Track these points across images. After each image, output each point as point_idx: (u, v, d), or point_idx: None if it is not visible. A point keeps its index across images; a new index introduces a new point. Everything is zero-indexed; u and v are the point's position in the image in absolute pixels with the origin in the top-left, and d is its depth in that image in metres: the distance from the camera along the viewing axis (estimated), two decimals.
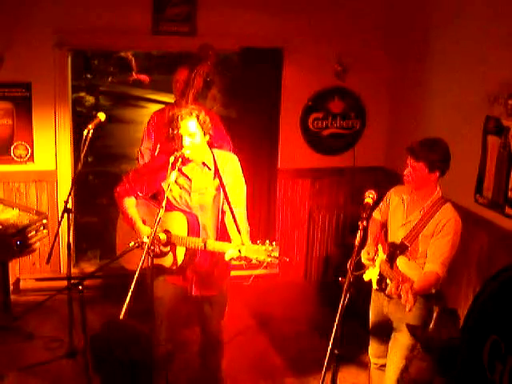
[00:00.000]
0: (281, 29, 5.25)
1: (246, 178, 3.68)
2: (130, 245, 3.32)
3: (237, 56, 5.39)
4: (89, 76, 9.83)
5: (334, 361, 2.86)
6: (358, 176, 5.62)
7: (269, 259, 3.23)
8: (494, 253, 4.29)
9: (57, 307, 4.69)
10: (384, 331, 3.60)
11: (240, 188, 3.61)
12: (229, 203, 3.53)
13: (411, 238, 3.39)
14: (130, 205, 3.65)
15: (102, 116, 4.20)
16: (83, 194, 6.13)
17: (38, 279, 5.27)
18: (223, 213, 3.58)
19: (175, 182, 3.43)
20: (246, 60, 5.29)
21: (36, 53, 4.91)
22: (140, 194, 3.67)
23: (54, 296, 3.84)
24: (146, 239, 3.27)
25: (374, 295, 3.67)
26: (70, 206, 4.23)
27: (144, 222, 3.60)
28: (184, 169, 3.51)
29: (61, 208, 4.57)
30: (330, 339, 2.83)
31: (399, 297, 3.12)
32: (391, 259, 3.44)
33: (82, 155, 4.06)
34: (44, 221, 4.70)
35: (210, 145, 3.59)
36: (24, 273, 5.29)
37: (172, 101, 4.80)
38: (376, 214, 3.70)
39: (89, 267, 5.56)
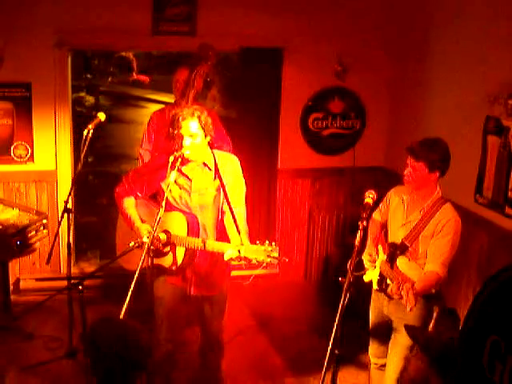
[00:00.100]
0: (281, 29, 5.25)
1: (246, 179, 3.67)
2: (130, 245, 3.32)
3: (237, 56, 5.39)
4: (89, 76, 9.82)
5: (334, 361, 2.86)
6: (358, 176, 5.62)
7: (268, 259, 3.23)
8: (493, 253, 4.29)
9: (57, 307, 4.69)
10: (384, 331, 3.60)
11: (240, 188, 3.61)
12: (229, 203, 3.53)
13: (411, 238, 3.39)
14: (130, 205, 3.65)
15: (101, 116, 4.20)
16: (83, 194, 6.13)
17: (38, 279, 5.27)
18: (223, 213, 3.58)
19: (175, 182, 3.43)
20: (245, 60, 5.29)
21: (36, 53, 4.91)
22: (139, 195, 3.67)
23: (53, 296, 3.84)
24: (145, 239, 3.27)
25: (374, 295, 3.67)
26: (70, 205, 4.23)
27: (143, 223, 3.60)
28: (184, 169, 3.51)
29: (61, 208, 4.57)
30: (329, 339, 2.83)
31: (400, 297, 3.12)
32: (391, 259, 3.44)
33: (82, 155, 4.06)
34: (44, 221, 4.70)
35: (211, 145, 3.59)
36: (24, 273, 5.29)
37: (172, 101, 4.81)
38: (376, 215, 3.70)
39: (89, 267, 5.56)
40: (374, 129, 5.72)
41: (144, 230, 3.49)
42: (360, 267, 3.49)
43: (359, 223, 3.06)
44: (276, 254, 3.23)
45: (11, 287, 5.05)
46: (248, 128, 5.40)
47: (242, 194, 3.62)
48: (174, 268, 3.54)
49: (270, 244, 3.24)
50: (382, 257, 3.47)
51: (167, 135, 3.52)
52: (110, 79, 10.26)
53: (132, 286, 2.99)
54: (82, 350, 2.39)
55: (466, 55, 4.55)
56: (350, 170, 5.69)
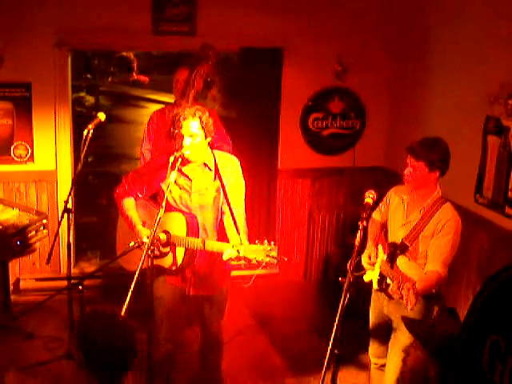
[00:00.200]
0: (281, 29, 5.25)
1: (246, 179, 3.68)
2: (130, 245, 3.33)
3: (237, 56, 5.39)
4: (89, 76, 9.82)
5: (334, 361, 2.86)
6: (358, 176, 5.61)
7: (267, 259, 3.23)
8: (494, 253, 4.29)
9: (57, 307, 4.69)
10: (384, 331, 3.60)
11: (240, 189, 3.61)
12: (228, 204, 3.53)
13: (411, 238, 3.39)
14: (130, 206, 3.65)
15: (101, 116, 4.21)
16: (83, 194, 6.13)
17: (38, 279, 5.27)
18: (222, 213, 3.58)
19: (175, 182, 3.43)
20: (245, 60, 5.29)
21: (36, 53, 4.91)
22: (139, 195, 3.67)
23: (53, 296, 3.84)
24: (145, 239, 3.27)
25: (374, 295, 3.67)
26: (70, 206, 4.24)
27: (143, 224, 3.59)
28: (184, 169, 3.51)
29: (61, 208, 4.57)
30: (330, 339, 2.82)
31: (401, 297, 3.12)
32: (391, 259, 3.44)
33: (82, 155, 4.06)
34: (44, 221, 4.70)
35: (211, 146, 3.59)
36: (24, 273, 5.29)
37: (172, 101, 4.81)
38: (376, 215, 3.69)
39: (89, 267, 5.56)
40: (374, 129, 5.72)
41: (144, 234, 3.47)
42: (360, 267, 3.50)
43: (359, 223, 3.06)
44: (275, 254, 3.23)
45: (11, 287, 5.05)
46: (248, 128, 5.40)
47: (242, 195, 3.62)
48: (173, 268, 3.54)
49: (269, 243, 3.24)
50: (382, 256, 3.47)
51: (168, 135, 3.52)
52: (110, 79, 10.25)
53: (132, 286, 2.99)
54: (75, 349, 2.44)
55: (465, 55, 4.55)
56: (349, 170, 5.69)
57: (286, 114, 5.49)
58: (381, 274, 3.46)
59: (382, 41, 5.48)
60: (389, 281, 3.38)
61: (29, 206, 4.95)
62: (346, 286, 2.90)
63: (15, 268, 5.22)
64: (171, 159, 3.34)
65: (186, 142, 3.40)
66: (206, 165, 3.54)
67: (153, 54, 9.80)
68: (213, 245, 3.43)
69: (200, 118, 3.43)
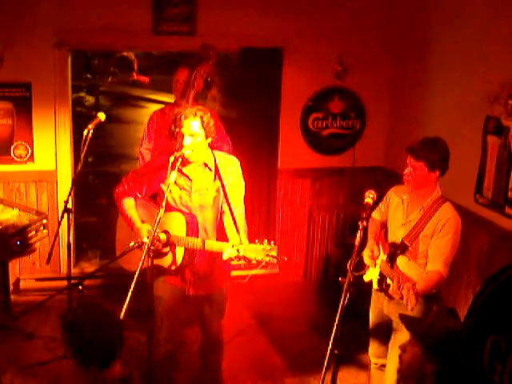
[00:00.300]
0: (281, 29, 5.25)
1: (246, 179, 3.67)
2: (130, 245, 3.32)
3: (237, 56, 5.38)
4: (89, 76, 9.83)
5: (334, 361, 2.86)
6: (358, 176, 5.61)
7: (267, 258, 3.23)
8: (494, 253, 4.29)
9: (57, 307, 4.69)
10: (384, 331, 3.60)
11: (239, 189, 3.61)
12: (228, 204, 3.53)
13: (411, 238, 3.39)
14: (130, 206, 3.65)
15: (101, 116, 4.20)
16: (83, 194, 6.13)
17: (38, 279, 5.27)
18: (222, 213, 3.58)
19: (175, 183, 3.42)
20: (245, 60, 5.29)
21: (36, 53, 4.91)
22: (139, 195, 3.67)
23: (54, 296, 3.84)
24: (145, 239, 3.27)
25: (374, 295, 3.67)
26: (69, 206, 4.24)
27: (143, 222, 3.59)
28: (184, 169, 3.50)
29: (61, 208, 4.57)
30: (330, 339, 2.82)
31: (401, 297, 3.12)
32: (392, 259, 3.44)
33: (82, 155, 4.06)
34: (44, 221, 4.70)
35: (211, 146, 3.59)
36: (24, 273, 5.29)
37: (172, 101, 4.81)
38: (375, 215, 3.69)
39: (89, 267, 5.57)
40: (374, 129, 5.72)
41: (145, 230, 3.49)
42: (360, 267, 3.50)
43: (359, 223, 3.06)
44: (275, 253, 3.23)
45: (11, 287, 5.05)
46: (248, 128, 5.40)
47: (242, 195, 3.62)
48: (173, 268, 3.54)
49: (269, 243, 3.24)
50: (382, 256, 3.47)
51: (168, 134, 3.52)
52: (110, 79, 10.27)
53: (132, 286, 2.99)
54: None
55: (466, 55, 4.55)
56: (349, 170, 5.69)
57: (286, 114, 5.49)
58: (381, 274, 3.46)
59: (381, 41, 5.48)
60: (389, 281, 3.38)
61: (29, 206, 4.95)
62: (345, 286, 2.90)
63: (15, 268, 5.22)
64: (171, 159, 3.33)
65: (187, 141, 3.40)
66: (206, 165, 3.54)
67: (153, 53, 9.82)
68: (212, 244, 3.43)
69: (201, 117, 3.42)
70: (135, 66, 9.98)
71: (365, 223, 3.08)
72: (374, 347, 3.74)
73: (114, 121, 9.03)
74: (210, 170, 3.55)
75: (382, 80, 5.59)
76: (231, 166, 3.61)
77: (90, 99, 9.44)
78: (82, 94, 9.36)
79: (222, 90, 7.59)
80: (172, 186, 3.38)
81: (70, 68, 5.15)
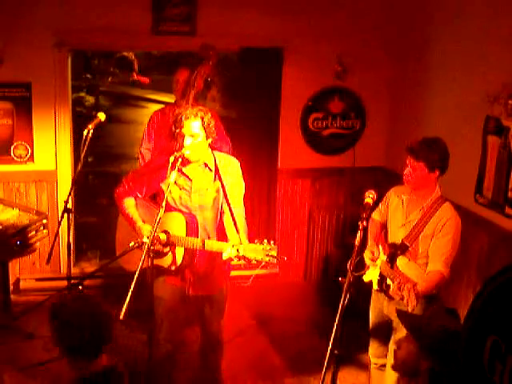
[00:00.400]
0: (281, 29, 5.25)
1: (246, 179, 3.68)
2: (130, 245, 3.32)
3: (237, 56, 5.38)
4: (89, 76, 9.82)
5: (334, 361, 2.86)
6: (358, 176, 5.61)
7: (267, 258, 3.24)
8: (493, 253, 4.29)
9: None
10: (384, 331, 3.60)
11: (239, 189, 3.61)
12: (228, 204, 3.54)
13: (411, 238, 3.39)
14: (130, 205, 3.65)
15: (101, 116, 4.20)
16: (83, 194, 6.13)
17: (38, 279, 5.27)
18: (222, 213, 3.58)
19: (175, 183, 3.43)
20: (245, 60, 5.28)
21: (36, 53, 4.91)
22: (139, 195, 3.67)
23: (54, 296, 3.83)
24: (145, 239, 3.27)
25: (374, 295, 3.67)
26: (69, 206, 4.23)
27: (144, 223, 3.59)
28: (184, 169, 3.51)
29: (61, 208, 4.57)
30: (330, 339, 2.82)
31: (401, 297, 3.11)
32: (392, 260, 3.44)
33: (82, 155, 4.06)
34: (44, 221, 4.70)
35: (211, 147, 3.59)
36: (24, 273, 5.29)
37: (172, 101, 4.81)
38: (375, 215, 3.69)
39: (89, 267, 5.56)
40: (373, 129, 5.72)
41: (146, 230, 3.48)
42: (360, 267, 3.50)
43: (359, 223, 3.06)
44: (275, 253, 3.23)
45: (11, 287, 5.05)
46: (248, 128, 5.40)
47: (241, 195, 3.63)
48: (173, 268, 3.54)
49: (269, 243, 3.24)
50: (382, 257, 3.47)
51: (169, 134, 3.52)
52: (110, 79, 10.26)
53: (132, 286, 2.99)
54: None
55: (466, 55, 4.55)
56: (349, 170, 5.69)
57: (286, 114, 5.49)
58: (381, 275, 3.46)
59: (381, 41, 5.48)
60: (389, 281, 3.38)
61: (29, 206, 4.94)
62: (345, 286, 2.90)
63: (15, 268, 5.22)
64: (171, 159, 3.33)
65: (187, 141, 3.40)
66: (206, 165, 3.55)
67: (153, 53, 9.81)
68: (212, 244, 3.43)
69: (202, 118, 3.43)
70: (135, 66, 9.96)
71: (365, 223, 3.08)
72: (373, 347, 3.74)
73: (114, 121, 9.01)
74: (210, 170, 3.55)
75: (382, 80, 5.59)
76: (231, 167, 3.61)
77: (90, 99, 9.43)
78: (82, 94, 9.35)
79: (221, 90, 7.58)
80: (172, 186, 3.38)
81: (69, 68, 5.15)
